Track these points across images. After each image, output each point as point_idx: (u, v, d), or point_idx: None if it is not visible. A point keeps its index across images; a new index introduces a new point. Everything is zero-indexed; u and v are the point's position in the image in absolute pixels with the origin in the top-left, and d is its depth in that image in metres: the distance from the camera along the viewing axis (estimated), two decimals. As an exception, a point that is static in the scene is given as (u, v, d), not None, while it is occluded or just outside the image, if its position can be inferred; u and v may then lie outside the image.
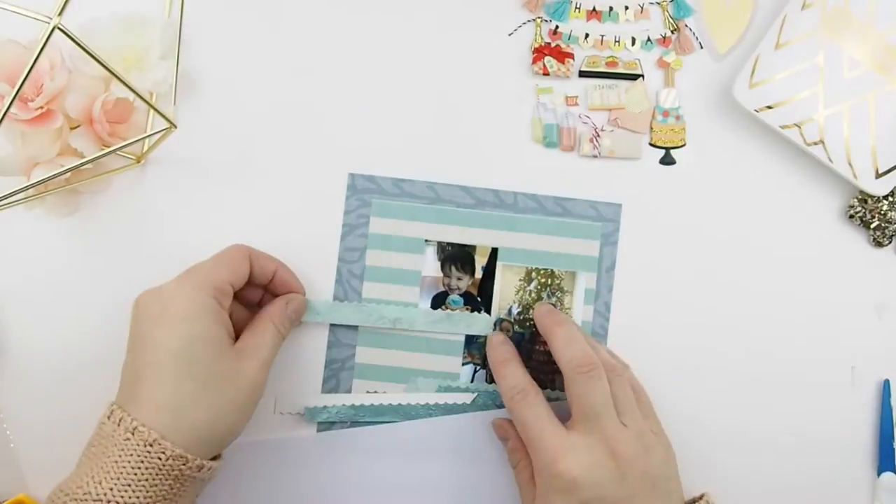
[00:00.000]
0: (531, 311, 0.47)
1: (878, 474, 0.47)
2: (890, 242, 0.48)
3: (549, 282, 0.47)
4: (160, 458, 0.36)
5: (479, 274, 0.47)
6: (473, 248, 0.47)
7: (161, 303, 0.39)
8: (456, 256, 0.47)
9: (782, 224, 0.48)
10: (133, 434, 0.37)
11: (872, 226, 0.48)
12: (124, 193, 0.47)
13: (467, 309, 0.47)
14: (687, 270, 0.48)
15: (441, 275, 0.47)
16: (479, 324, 0.47)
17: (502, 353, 0.44)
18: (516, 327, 0.47)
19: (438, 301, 0.47)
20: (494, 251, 0.47)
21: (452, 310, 0.47)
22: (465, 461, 0.47)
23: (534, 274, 0.47)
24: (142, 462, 0.36)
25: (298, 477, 0.47)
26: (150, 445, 0.36)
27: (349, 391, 0.47)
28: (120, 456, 0.37)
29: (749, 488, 0.47)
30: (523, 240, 0.47)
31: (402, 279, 0.47)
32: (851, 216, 0.48)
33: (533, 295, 0.47)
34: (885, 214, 0.47)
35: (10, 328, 0.47)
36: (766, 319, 0.48)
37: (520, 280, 0.47)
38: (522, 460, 0.43)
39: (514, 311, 0.47)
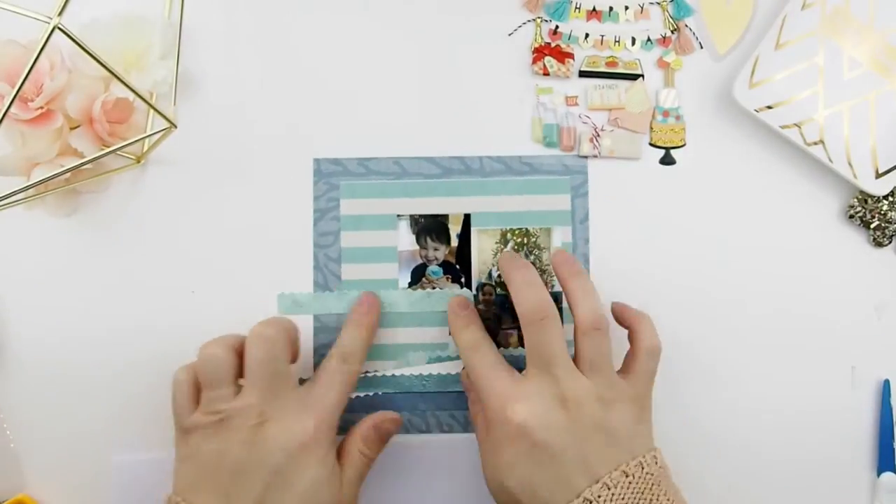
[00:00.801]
0: None
1: (878, 474, 0.47)
2: (890, 242, 0.48)
3: (525, 241, 0.47)
4: None
5: (454, 242, 0.47)
6: (446, 216, 0.47)
7: (296, 439, 0.39)
8: (430, 227, 0.47)
9: (782, 224, 0.48)
10: None
11: (872, 226, 0.48)
12: (124, 193, 0.47)
13: (447, 278, 0.47)
14: (687, 270, 0.48)
15: (417, 247, 0.47)
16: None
17: (463, 316, 0.44)
18: (499, 290, 0.47)
19: (418, 274, 0.47)
20: (467, 217, 0.47)
21: (432, 281, 0.47)
22: (461, 480, 0.47)
23: (509, 235, 0.47)
24: None
25: None
26: None
27: None
28: None
29: (748, 487, 0.47)
30: (494, 203, 0.47)
31: (379, 257, 0.47)
32: (851, 216, 0.48)
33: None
34: (885, 214, 0.47)
35: (10, 328, 0.47)
36: (766, 319, 0.48)
37: (496, 243, 0.47)
38: (479, 413, 0.43)
39: (494, 273, 0.47)
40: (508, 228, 0.47)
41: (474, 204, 0.47)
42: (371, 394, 0.47)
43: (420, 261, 0.47)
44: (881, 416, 0.47)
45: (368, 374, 0.47)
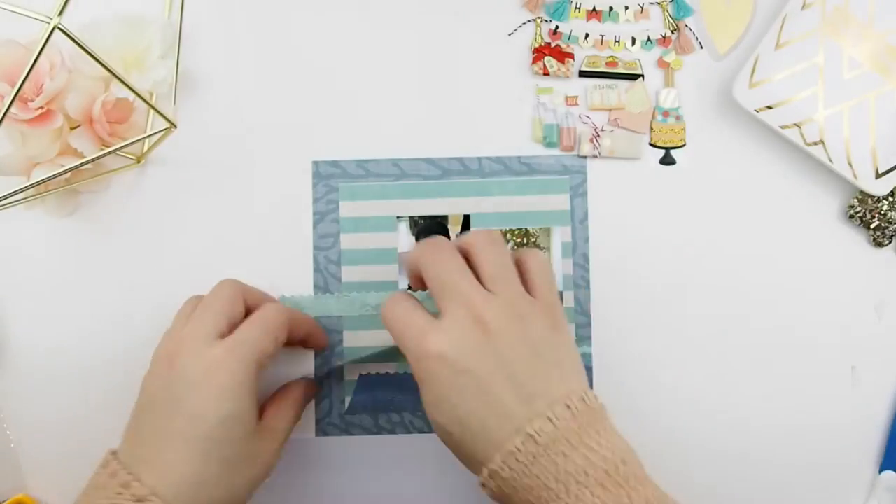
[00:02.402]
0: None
1: (880, 472, 0.47)
2: (890, 242, 0.48)
3: (525, 241, 0.47)
4: None
5: None
6: (445, 217, 0.47)
7: (203, 368, 0.37)
8: (429, 228, 0.47)
9: (782, 224, 0.48)
10: (126, 489, 0.36)
11: (872, 226, 0.48)
12: (124, 193, 0.47)
13: None
14: (686, 270, 0.48)
15: None
16: None
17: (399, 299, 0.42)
18: None
19: None
20: (467, 218, 0.47)
21: None
22: (463, 477, 0.46)
23: (509, 235, 0.47)
24: None
25: (295, 479, 0.46)
26: (140, 502, 0.35)
27: (342, 378, 0.47)
28: None
29: (748, 485, 0.47)
30: (493, 203, 0.47)
31: (379, 259, 0.47)
32: (851, 216, 0.48)
33: None
34: (885, 214, 0.47)
35: (10, 328, 0.47)
36: (766, 319, 0.48)
37: None
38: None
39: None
40: (508, 229, 0.47)
41: (473, 205, 0.47)
42: (370, 394, 0.47)
43: None
44: (895, 415, 0.47)
45: (368, 375, 0.47)
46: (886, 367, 0.48)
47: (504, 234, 0.47)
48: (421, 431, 0.47)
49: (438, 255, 0.38)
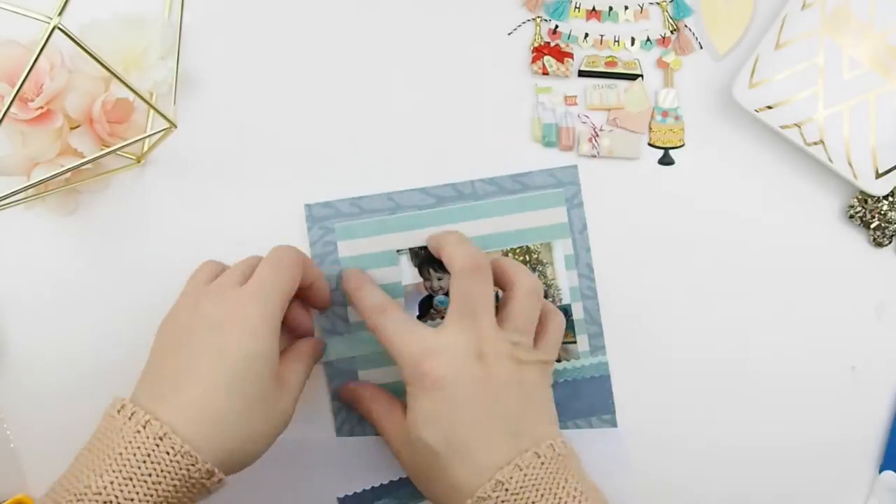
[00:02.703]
0: None
1: (880, 472, 0.47)
2: (890, 242, 0.48)
3: (527, 258, 0.47)
4: (188, 471, 0.34)
5: None
6: None
7: (225, 309, 0.38)
8: (431, 258, 0.47)
9: (782, 224, 0.48)
10: (161, 440, 0.35)
11: (872, 226, 0.48)
12: (124, 193, 0.47)
13: None
14: (686, 270, 0.48)
15: (421, 280, 0.47)
16: None
17: (355, 279, 0.44)
18: None
19: (426, 305, 0.47)
20: None
21: (440, 311, 0.47)
22: None
23: (511, 254, 0.47)
24: (148, 457, 0.34)
25: (312, 479, 0.46)
26: (160, 439, 0.34)
27: (361, 416, 0.46)
28: (125, 449, 0.35)
29: (747, 484, 0.47)
30: (491, 224, 0.47)
31: None
32: (851, 216, 0.48)
33: None
34: (885, 214, 0.47)
35: (9, 328, 0.47)
36: (767, 319, 0.48)
37: None
38: (381, 401, 0.43)
39: (500, 295, 0.47)
40: (509, 248, 0.47)
41: (472, 228, 0.47)
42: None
43: (426, 293, 0.47)
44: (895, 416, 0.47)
45: (385, 384, 0.46)
46: (886, 367, 0.48)
47: (505, 254, 0.47)
48: None
49: (476, 278, 0.40)
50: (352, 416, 0.46)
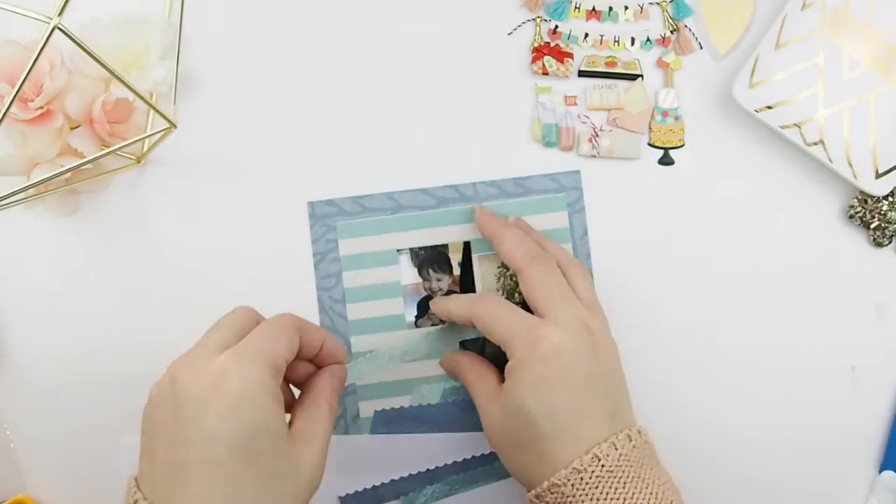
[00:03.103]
0: (516, 295, 0.47)
1: (880, 472, 0.47)
2: (890, 242, 0.48)
3: None
4: None
5: (457, 271, 0.47)
6: (445, 246, 0.47)
7: (210, 381, 0.33)
8: (431, 259, 0.47)
9: (782, 224, 0.48)
10: None
11: (872, 226, 0.48)
12: (124, 193, 0.47)
13: None
14: (686, 271, 0.48)
15: (420, 280, 0.47)
16: (461, 332, 0.47)
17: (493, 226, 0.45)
18: None
19: (424, 306, 0.47)
20: (467, 245, 0.47)
21: None
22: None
23: None
24: None
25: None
26: None
27: (357, 415, 0.46)
28: None
29: (747, 484, 0.47)
30: None
31: (383, 294, 0.47)
32: (851, 216, 0.48)
33: (514, 279, 0.47)
34: (885, 214, 0.47)
35: (9, 328, 0.47)
36: (767, 319, 0.48)
37: (498, 267, 0.47)
38: (478, 370, 0.43)
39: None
40: None
41: (472, 231, 0.47)
42: (387, 430, 0.46)
43: (425, 293, 0.47)
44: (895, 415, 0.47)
45: (384, 411, 0.47)
46: (886, 367, 0.48)
47: None
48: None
49: (545, 267, 0.41)
50: (347, 414, 0.46)
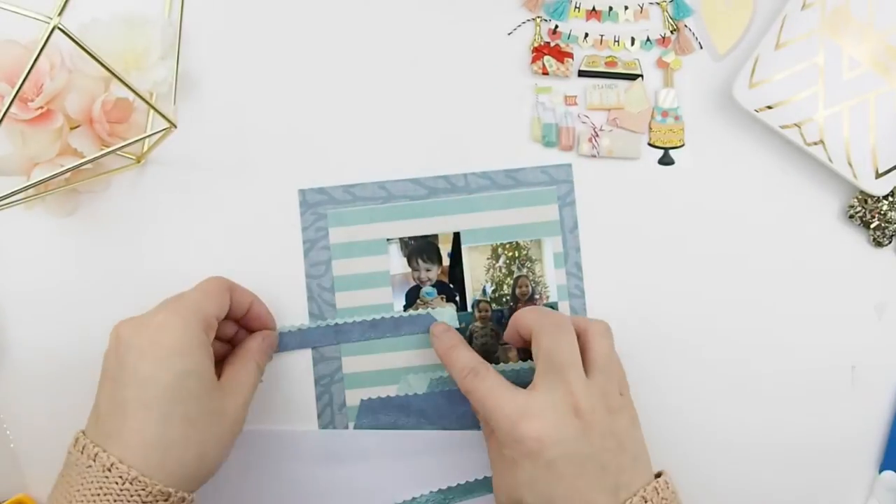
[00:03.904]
0: (505, 287, 0.47)
1: (880, 472, 0.47)
2: (890, 242, 0.48)
3: (517, 254, 0.47)
4: (140, 496, 0.35)
5: (446, 261, 0.47)
6: (435, 236, 0.47)
7: (149, 335, 0.38)
8: (420, 249, 0.47)
9: (782, 224, 0.48)
10: (110, 471, 0.36)
11: (872, 226, 0.48)
12: (124, 193, 0.47)
13: (442, 298, 0.47)
14: (685, 271, 0.48)
15: (409, 270, 0.47)
16: (445, 316, 0.47)
17: (447, 340, 0.44)
18: (494, 305, 0.47)
19: (412, 296, 0.47)
20: (457, 236, 0.47)
21: (427, 302, 0.47)
22: (465, 475, 0.47)
23: (500, 250, 0.47)
24: (100, 488, 0.35)
25: (296, 471, 0.46)
26: (109, 470, 0.36)
27: (343, 403, 0.47)
28: (82, 484, 0.36)
29: (747, 483, 0.47)
30: (482, 219, 0.47)
31: (372, 283, 0.47)
32: (851, 216, 0.48)
33: (503, 270, 0.47)
34: (885, 214, 0.47)
35: (9, 328, 0.47)
36: (767, 319, 0.48)
37: (487, 259, 0.47)
38: (492, 433, 0.42)
39: (489, 289, 0.47)
40: (499, 243, 0.47)
41: (462, 222, 0.47)
42: (373, 418, 0.47)
43: (413, 283, 0.47)
44: (894, 416, 0.47)
45: (370, 399, 0.47)
46: (886, 367, 0.48)
47: (495, 248, 0.47)
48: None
49: (559, 333, 0.39)
50: (334, 403, 0.47)
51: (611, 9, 0.49)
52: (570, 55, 0.48)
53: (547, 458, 0.37)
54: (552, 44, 0.48)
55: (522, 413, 0.38)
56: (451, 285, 0.47)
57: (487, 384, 0.40)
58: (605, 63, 0.48)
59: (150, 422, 0.37)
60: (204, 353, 0.39)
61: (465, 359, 0.42)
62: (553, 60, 0.48)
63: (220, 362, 0.42)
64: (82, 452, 0.37)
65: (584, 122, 0.48)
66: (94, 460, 0.36)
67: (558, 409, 0.38)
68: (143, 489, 0.36)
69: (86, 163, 0.41)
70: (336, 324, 0.47)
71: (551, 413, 0.37)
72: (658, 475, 0.40)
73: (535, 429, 0.37)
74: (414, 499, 0.46)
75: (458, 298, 0.47)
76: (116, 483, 0.35)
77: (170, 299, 0.41)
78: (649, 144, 0.48)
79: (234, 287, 0.43)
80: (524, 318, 0.42)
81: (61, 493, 0.37)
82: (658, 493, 0.38)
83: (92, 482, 0.36)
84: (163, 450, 0.37)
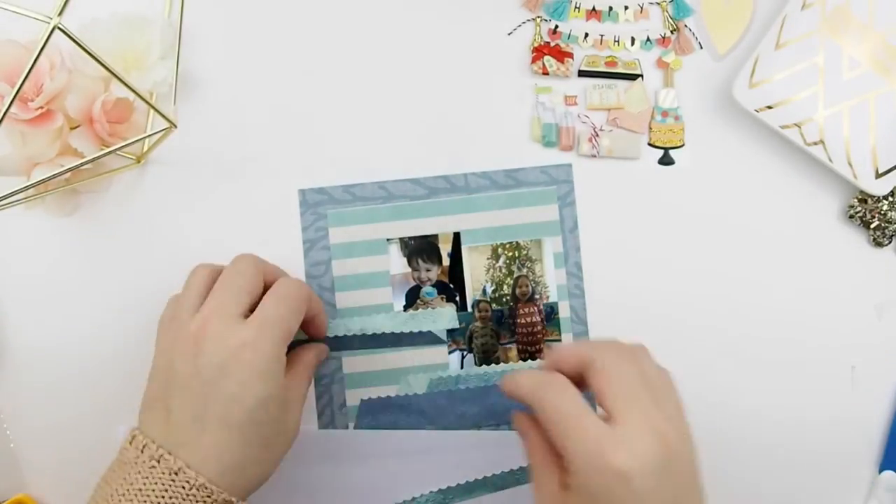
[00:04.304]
0: (505, 286, 0.47)
1: (880, 472, 0.47)
2: (890, 242, 0.48)
3: (517, 254, 0.47)
4: (184, 488, 0.36)
5: (446, 261, 0.47)
6: (435, 236, 0.47)
7: (233, 351, 0.37)
8: (420, 249, 0.47)
9: (782, 224, 0.48)
10: (177, 474, 0.36)
11: (872, 226, 0.48)
12: (124, 193, 0.47)
13: (442, 298, 0.47)
14: (685, 271, 0.48)
15: (409, 270, 0.47)
16: (445, 317, 0.47)
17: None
18: (494, 305, 0.47)
19: (412, 296, 0.47)
20: (457, 236, 0.47)
21: (427, 302, 0.47)
22: (466, 475, 0.46)
23: (500, 250, 0.47)
24: (165, 491, 0.35)
25: (296, 472, 0.46)
26: (175, 474, 0.36)
27: (343, 403, 0.47)
28: (144, 484, 0.35)
29: (748, 485, 0.47)
30: (482, 219, 0.47)
31: (372, 283, 0.47)
32: (851, 216, 0.48)
33: (503, 270, 0.47)
34: (885, 214, 0.47)
35: (9, 328, 0.47)
36: (766, 319, 0.48)
37: (487, 259, 0.47)
38: (545, 459, 0.37)
39: (489, 289, 0.47)
40: (499, 243, 0.47)
41: (463, 222, 0.47)
42: (373, 419, 0.47)
43: (413, 283, 0.47)
44: (894, 416, 0.47)
45: (370, 399, 0.47)
46: (886, 367, 0.48)
47: (495, 249, 0.47)
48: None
49: (621, 355, 0.36)
50: (334, 403, 0.47)
51: (611, 9, 0.49)
52: (570, 55, 0.48)
53: (627, 490, 0.33)
54: (552, 44, 0.48)
55: (609, 438, 0.34)
56: (451, 285, 0.47)
57: (569, 396, 0.35)
58: (605, 63, 0.48)
59: (231, 442, 0.36)
60: (283, 374, 0.38)
61: (545, 373, 0.37)
62: (553, 60, 0.48)
63: None
64: (142, 451, 0.37)
65: (584, 122, 0.48)
66: (159, 462, 0.36)
67: (643, 437, 0.34)
68: (209, 496, 0.36)
69: (86, 163, 0.41)
70: (335, 336, 0.46)
71: (637, 442, 0.33)
72: None
73: (620, 458, 0.33)
74: (414, 499, 0.46)
75: (458, 298, 0.47)
76: (183, 487, 0.36)
77: (259, 313, 0.38)
78: (649, 144, 0.48)
79: (312, 295, 0.42)
80: (584, 355, 0.36)
81: (114, 489, 0.36)
82: None
83: (157, 483, 0.35)
84: (238, 470, 0.37)
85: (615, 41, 0.48)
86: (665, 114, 0.48)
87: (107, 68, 0.36)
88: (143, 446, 0.37)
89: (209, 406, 0.36)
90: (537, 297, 0.47)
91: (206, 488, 0.35)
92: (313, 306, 0.42)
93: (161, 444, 0.37)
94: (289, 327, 0.39)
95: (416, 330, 0.47)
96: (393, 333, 0.47)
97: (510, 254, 0.47)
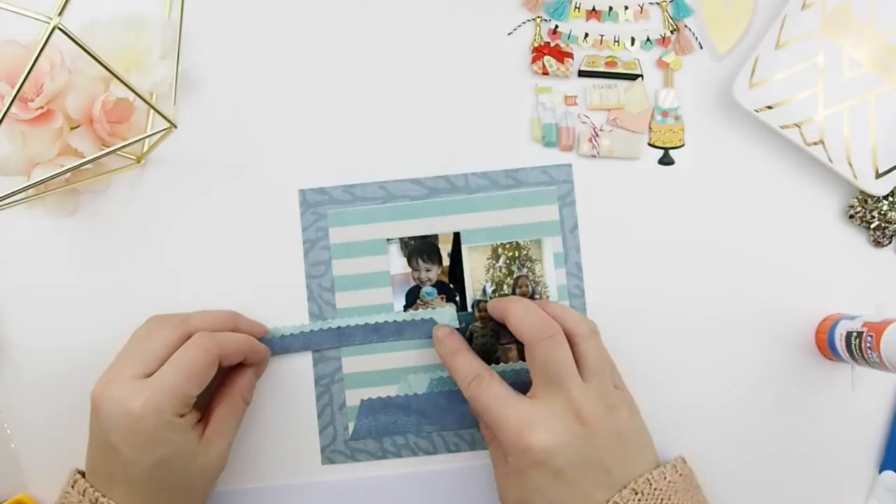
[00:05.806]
0: (505, 287, 0.47)
1: (880, 472, 0.47)
2: (890, 242, 0.48)
3: (517, 254, 0.47)
4: None
5: (446, 261, 0.47)
6: (435, 236, 0.47)
7: (126, 421, 0.38)
8: (420, 249, 0.47)
9: (782, 224, 0.48)
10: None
11: (872, 226, 0.48)
12: (124, 193, 0.47)
13: (442, 298, 0.47)
14: (685, 271, 0.48)
15: (409, 270, 0.47)
16: (445, 317, 0.47)
17: (450, 344, 0.44)
18: None
19: (412, 296, 0.47)
20: (457, 236, 0.47)
21: (427, 302, 0.47)
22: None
23: (500, 250, 0.47)
24: None
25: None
26: None
27: (343, 403, 0.47)
28: None
29: (748, 485, 0.47)
30: (482, 219, 0.47)
31: (372, 283, 0.47)
32: (851, 216, 0.48)
33: (503, 270, 0.47)
34: (885, 214, 0.47)
35: (9, 328, 0.47)
36: (767, 319, 0.48)
37: (487, 259, 0.47)
38: (494, 439, 0.43)
39: (489, 289, 0.47)
40: (499, 243, 0.47)
41: (463, 222, 0.47)
42: (373, 418, 0.47)
43: (413, 283, 0.47)
44: (894, 416, 0.47)
45: (370, 399, 0.47)
46: (886, 367, 0.48)
47: (495, 248, 0.47)
48: (427, 453, 0.47)
49: (553, 345, 0.40)
50: (334, 403, 0.47)
51: (611, 9, 0.49)
52: (570, 55, 0.48)
53: (555, 467, 0.38)
54: (552, 44, 0.48)
55: (528, 423, 0.38)
56: (452, 285, 0.47)
57: (492, 392, 0.40)
58: (605, 63, 0.48)
59: (136, 494, 0.39)
60: (185, 431, 0.40)
61: (470, 365, 0.42)
62: (553, 60, 0.48)
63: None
64: (83, 495, 0.39)
65: (584, 122, 0.48)
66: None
67: (562, 418, 0.38)
68: None
69: (86, 163, 0.41)
70: (339, 327, 0.46)
71: (556, 421, 0.38)
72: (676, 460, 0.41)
73: (541, 439, 0.38)
74: None
75: (458, 298, 0.47)
76: None
77: (158, 375, 0.39)
78: (649, 144, 0.48)
79: (224, 346, 0.41)
80: (516, 323, 0.41)
81: None
82: (651, 485, 0.38)
83: None
84: None
85: (615, 41, 0.48)
86: (665, 114, 0.48)
87: (107, 68, 0.36)
88: (84, 490, 0.39)
89: (114, 465, 0.39)
90: (537, 296, 0.47)
91: None
92: (234, 354, 0.42)
93: (92, 483, 0.40)
94: (183, 393, 0.39)
95: (415, 333, 0.47)
96: (395, 322, 0.47)
97: (510, 254, 0.47)
